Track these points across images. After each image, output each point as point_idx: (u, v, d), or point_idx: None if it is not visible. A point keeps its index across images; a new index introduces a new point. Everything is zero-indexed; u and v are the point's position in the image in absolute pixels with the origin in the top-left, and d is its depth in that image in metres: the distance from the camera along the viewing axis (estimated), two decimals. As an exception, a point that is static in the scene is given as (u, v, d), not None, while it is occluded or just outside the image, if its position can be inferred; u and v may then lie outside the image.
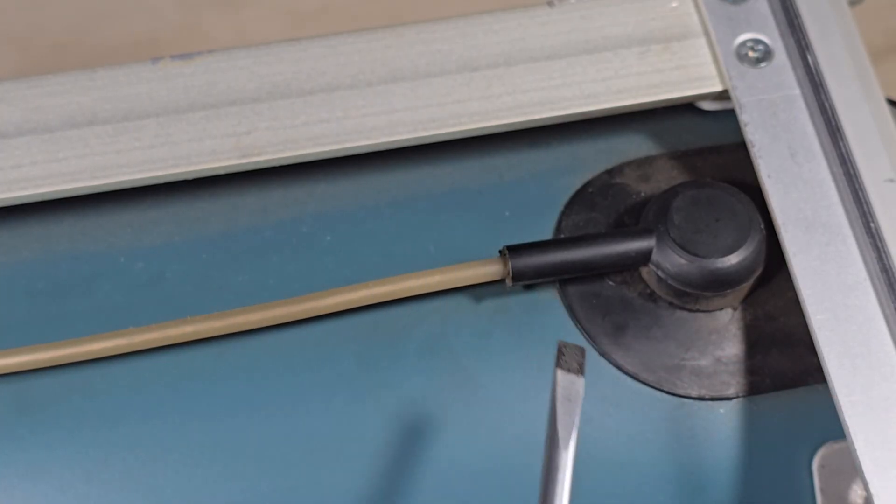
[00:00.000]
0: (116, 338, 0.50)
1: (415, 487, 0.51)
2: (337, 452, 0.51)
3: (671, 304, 0.53)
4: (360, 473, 0.50)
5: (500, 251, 0.52)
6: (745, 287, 0.52)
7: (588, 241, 0.52)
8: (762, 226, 0.52)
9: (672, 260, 0.51)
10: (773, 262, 0.53)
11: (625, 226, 0.54)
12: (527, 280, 0.52)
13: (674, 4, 0.57)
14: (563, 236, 0.54)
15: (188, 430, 0.51)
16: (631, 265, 0.52)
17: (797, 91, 0.55)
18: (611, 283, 0.53)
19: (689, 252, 0.51)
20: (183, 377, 0.51)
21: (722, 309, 0.53)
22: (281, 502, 0.50)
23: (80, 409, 0.50)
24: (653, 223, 0.52)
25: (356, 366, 0.51)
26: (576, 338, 0.52)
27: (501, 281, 0.52)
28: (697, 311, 0.53)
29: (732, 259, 0.51)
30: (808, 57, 0.55)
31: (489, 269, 0.52)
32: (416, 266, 0.52)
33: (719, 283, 0.51)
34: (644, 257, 0.52)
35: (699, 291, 0.51)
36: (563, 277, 0.53)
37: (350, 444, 0.51)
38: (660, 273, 0.51)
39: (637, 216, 0.54)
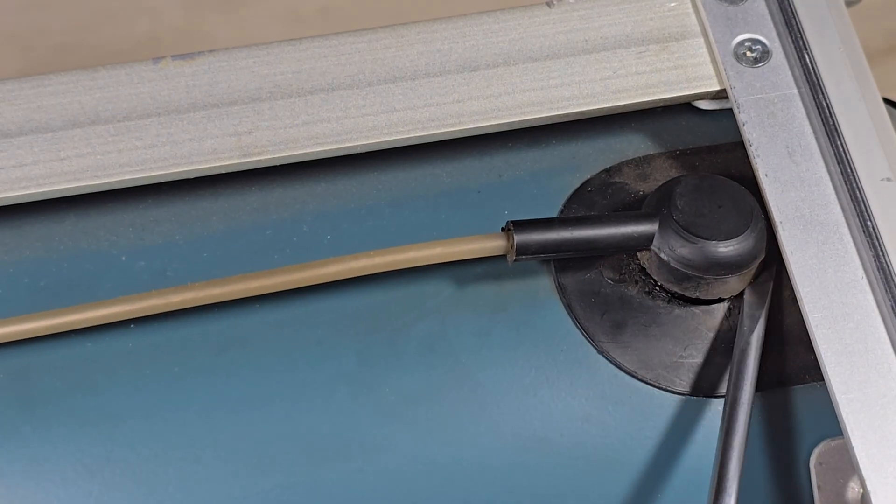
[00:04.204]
0: (114, 305, 0.50)
1: (414, 484, 0.51)
2: (337, 449, 0.51)
3: (668, 291, 0.53)
4: (360, 470, 0.51)
5: (503, 228, 0.52)
6: (746, 275, 0.52)
7: (592, 220, 0.52)
8: (763, 214, 0.52)
9: (675, 242, 0.51)
10: (771, 260, 0.53)
11: None
12: (530, 254, 0.51)
13: (672, 4, 0.57)
14: (566, 216, 0.54)
15: (189, 427, 0.51)
16: (633, 247, 0.52)
17: (795, 90, 0.55)
18: (609, 281, 0.53)
19: (692, 234, 0.51)
20: (184, 374, 0.51)
21: (721, 300, 0.53)
22: (281, 499, 0.50)
23: (81, 405, 0.51)
24: (656, 208, 0.52)
25: (356, 363, 0.52)
26: (574, 336, 0.53)
27: (503, 257, 0.52)
28: (697, 299, 0.53)
29: (735, 243, 0.51)
30: (806, 57, 0.55)
31: (492, 244, 0.52)
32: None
33: (721, 267, 0.51)
34: (647, 240, 0.52)
35: (701, 274, 0.51)
36: (566, 256, 0.53)
37: (350, 441, 0.51)
38: (662, 255, 0.51)
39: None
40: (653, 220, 0.52)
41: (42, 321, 0.50)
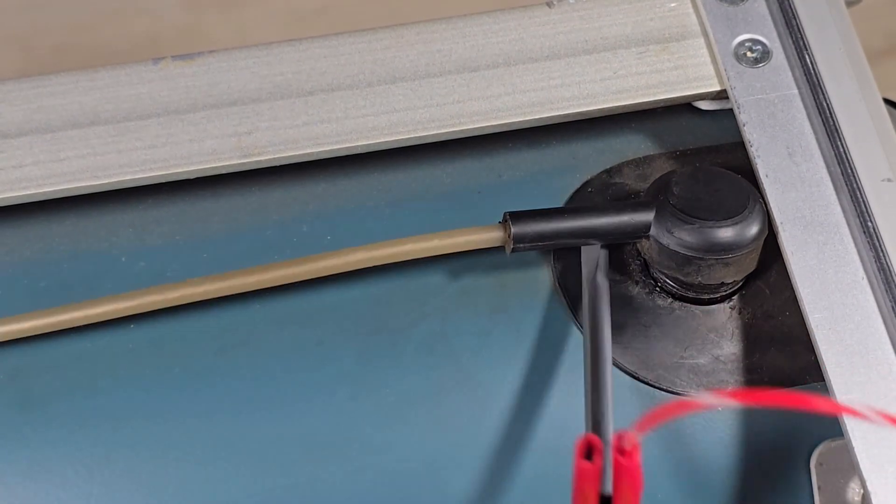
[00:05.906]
0: (111, 302, 0.50)
1: (414, 484, 0.51)
2: (337, 449, 0.51)
3: (669, 288, 0.53)
4: (360, 470, 0.51)
5: (500, 221, 0.52)
6: (747, 256, 0.52)
7: (589, 209, 0.52)
8: (761, 198, 0.52)
9: (674, 226, 0.51)
10: (771, 261, 0.53)
11: None
12: (527, 244, 0.51)
13: (672, 5, 0.57)
14: (563, 206, 0.54)
15: (190, 428, 0.51)
16: (631, 234, 0.52)
17: (795, 91, 0.55)
18: (609, 282, 0.53)
19: (690, 216, 0.51)
20: (184, 375, 0.51)
21: (722, 298, 0.53)
22: (281, 499, 0.50)
23: (81, 405, 0.51)
24: (653, 197, 0.52)
25: (356, 363, 0.52)
26: (575, 336, 0.53)
27: (502, 253, 0.52)
28: (697, 298, 0.53)
29: (734, 222, 0.51)
30: (806, 57, 0.55)
31: (490, 235, 0.52)
32: (416, 265, 0.53)
33: (722, 247, 0.51)
34: (644, 227, 0.52)
35: (702, 255, 0.51)
36: (564, 246, 0.53)
37: (350, 441, 0.51)
38: (662, 241, 0.51)
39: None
40: (650, 207, 0.52)
41: (37, 320, 0.50)
